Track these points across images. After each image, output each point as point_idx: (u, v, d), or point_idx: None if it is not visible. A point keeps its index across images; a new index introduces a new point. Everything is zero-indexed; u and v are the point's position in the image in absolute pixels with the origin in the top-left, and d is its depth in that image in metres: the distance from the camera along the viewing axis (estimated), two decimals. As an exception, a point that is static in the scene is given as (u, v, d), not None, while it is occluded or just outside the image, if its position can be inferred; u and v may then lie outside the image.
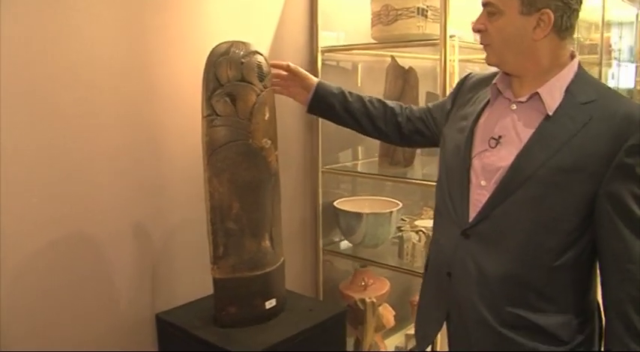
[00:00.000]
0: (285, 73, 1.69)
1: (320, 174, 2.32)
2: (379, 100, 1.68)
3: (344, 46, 2.29)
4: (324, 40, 2.25)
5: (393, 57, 2.23)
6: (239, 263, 1.62)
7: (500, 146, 1.31)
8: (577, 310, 1.30)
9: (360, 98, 1.67)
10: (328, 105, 1.66)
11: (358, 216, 2.23)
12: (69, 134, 1.60)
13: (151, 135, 1.78)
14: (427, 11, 2.06)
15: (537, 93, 1.27)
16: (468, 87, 1.51)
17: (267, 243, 1.68)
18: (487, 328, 1.30)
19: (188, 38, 1.84)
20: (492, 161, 1.31)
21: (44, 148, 1.55)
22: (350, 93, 1.67)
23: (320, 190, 2.33)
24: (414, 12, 2.06)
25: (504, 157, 1.29)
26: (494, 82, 1.38)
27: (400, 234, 2.29)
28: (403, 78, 2.15)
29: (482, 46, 1.34)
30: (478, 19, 1.30)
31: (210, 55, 1.57)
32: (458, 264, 1.35)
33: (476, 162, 1.35)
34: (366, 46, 2.26)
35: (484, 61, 1.37)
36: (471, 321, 1.34)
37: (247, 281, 1.64)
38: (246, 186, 1.60)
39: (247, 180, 1.60)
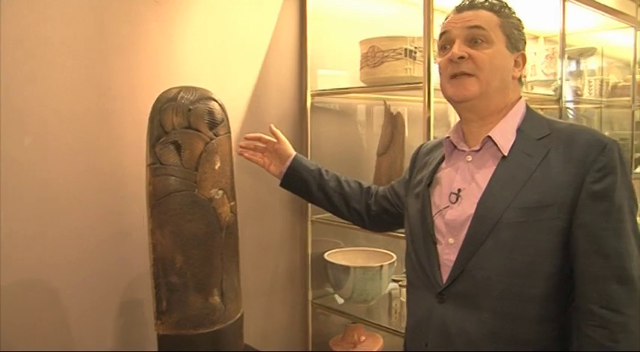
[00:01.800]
0: (262, 144, 1.64)
1: (309, 223, 2.21)
2: (355, 181, 1.63)
3: (335, 89, 2.20)
4: (315, 81, 2.18)
5: (385, 101, 2.12)
6: (183, 319, 1.52)
7: (461, 199, 1.24)
8: None
9: (336, 177, 1.61)
10: (303, 180, 1.60)
11: (345, 269, 2.10)
12: (28, 181, 1.58)
13: (113, 181, 1.74)
14: (415, 53, 1.95)
15: (489, 137, 1.22)
16: (424, 153, 1.46)
17: (217, 298, 1.57)
18: None
19: (159, 82, 1.80)
20: (456, 216, 1.23)
21: (4, 194, 1.53)
22: (327, 171, 1.61)
23: (309, 240, 2.22)
24: (401, 54, 1.95)
25: (467, 209, 1.21)
26: (447, 135, 1.32)
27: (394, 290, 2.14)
28: (392, 123, 2.03)
29: (456, 76, 1.22)
30: (458, 47, 1.21)
31: (156, 101, 1.52)
32: (435, 332, 1.25)
33: (438, 221, 1.27)
34: (358, 90, 2.16)
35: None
36: None
37: (193, 339, 1.54)
38: (192, 238, 1.51)
39: (192, 232, 1.51)
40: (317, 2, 2.18)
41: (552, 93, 2.40)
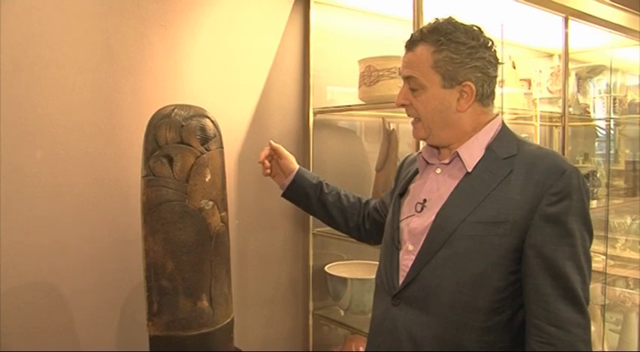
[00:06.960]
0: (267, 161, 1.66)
1: (311, 235, 2.29)
2: (355, 195, 1.69)
3: (336, 107, 2.29)
4: (318, 98, 2.27)
5: (383, 118, 2.19)
6: (173, 321, 1.62)
7: (425, 209, 1.31)
8: None
9: (336, 191, 1.67)
10: (303, 193, 1.67)
11: (343, 280, 2.17)
12: (39, 192, 1.71)
13: (119, 192, 1.87)
14: (409, 72, 2.01)
15: (457, 152, 1.28)
16: (407, 164, 1.53)
17: (205, 303, 1.67)
18: None
19: (164, 100, 1.91)
20: (418, 224, 1.30)
21: (14, 202, 1.67)
22: (327, 185, 1.67)
23: (311, 252, 2.30)
24: (395, 73, 2.02)
25: (428, 219, 1.28)
26: (419, 151, 1.40)
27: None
28: (388, 139, 2.10)
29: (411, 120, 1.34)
30: (401, 94, 1.32)
31: (152, 118, 1.63)
32: (387, 334, 1.32)
33: (403, 228, 1.34)
34: (358, 107, 2.24)
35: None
36: None
37: (182, 340, 1.63)
38: (182, 245, 1.62)
39: (182, 239, 1.62)
40: (320, 22, 2.28)
41: (558, 110, 2.42)
